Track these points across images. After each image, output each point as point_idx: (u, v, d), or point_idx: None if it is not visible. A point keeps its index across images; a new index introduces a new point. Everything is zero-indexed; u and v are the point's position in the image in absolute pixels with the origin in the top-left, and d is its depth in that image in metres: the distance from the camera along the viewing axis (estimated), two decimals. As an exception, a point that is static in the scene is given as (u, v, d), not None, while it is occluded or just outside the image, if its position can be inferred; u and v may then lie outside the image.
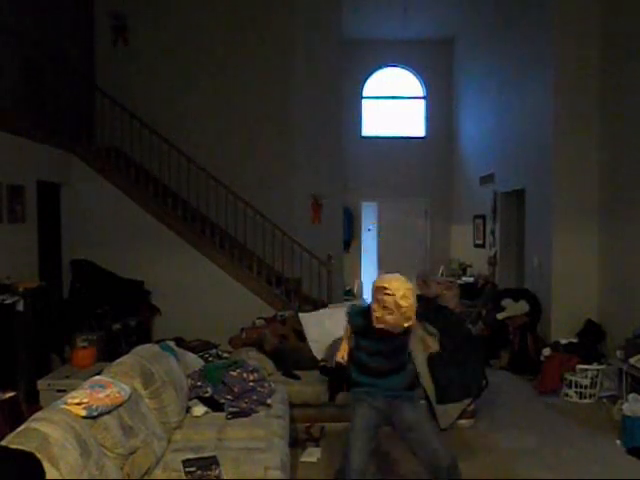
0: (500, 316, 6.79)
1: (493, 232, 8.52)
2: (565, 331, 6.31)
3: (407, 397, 3.17)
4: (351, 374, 3.22)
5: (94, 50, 8.23)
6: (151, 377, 3.29)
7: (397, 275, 2.97)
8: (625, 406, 4.47)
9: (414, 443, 3.08)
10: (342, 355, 3.27)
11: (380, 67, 10.91)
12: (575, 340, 6.08)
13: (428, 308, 5.00)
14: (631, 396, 4.55)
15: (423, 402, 4.58)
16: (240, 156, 8.21)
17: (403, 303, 2.84)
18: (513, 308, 6.75)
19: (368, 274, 11.04)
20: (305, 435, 4.45)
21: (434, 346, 4.76)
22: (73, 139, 6.92)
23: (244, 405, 3.76)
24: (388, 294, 2.86)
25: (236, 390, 3.80)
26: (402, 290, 2.85)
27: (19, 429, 2.29)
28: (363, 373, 3.13)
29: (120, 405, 2.79)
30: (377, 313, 2.92)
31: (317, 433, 4.47)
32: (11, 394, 3.81)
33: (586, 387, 5.48)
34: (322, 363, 4.93)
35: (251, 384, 3.89)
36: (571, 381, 5.54)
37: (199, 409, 3.73)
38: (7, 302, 4.72)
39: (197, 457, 2.97)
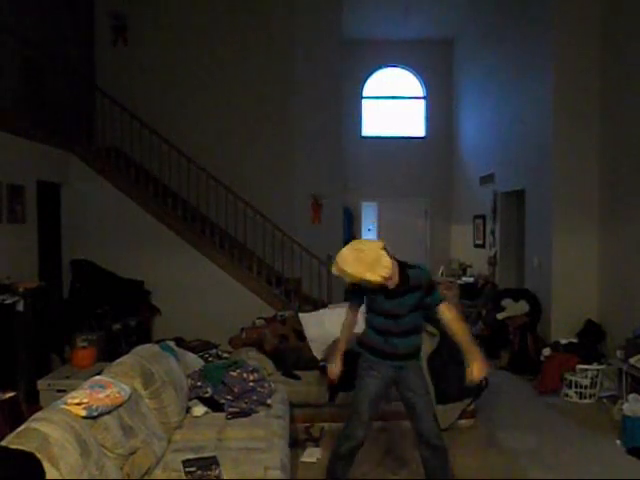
0: (500, 316, 6.80)
1: (493, 232, 8.52)
2: (565, 331, 6.31)
3: (412, 365, 3.28)
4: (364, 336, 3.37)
5: (94, 50, 8.24)
6: (151, 377, 3.29)
7: (355, 245, 3.03)
8: (625, 406, 4.47)
9: (410, 410, 3.27)
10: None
11: (380, 67, 10.90)
12: (575, 340, 6.08)
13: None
14: (631, 396, 4.55)
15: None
16: (240, 156, 8.22)
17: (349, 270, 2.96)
18: (513, 308, 6.75)
19: (368, 274, 11.02)
20: (305, 435, 4.45)
21: (434, 346, 4.75)
22: (73, 139, 6.93)
23: (244, 405, 3.76)
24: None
25: (236, 390, 3.80)
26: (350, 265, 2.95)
27: (19, 429, 2.29)
28: (372, 333, 3.27)
29: (120, 405, 2.79)
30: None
31: (317, 433, 4.47)
32: (11, 394, 3.80)
33: (586, 387, 5.48)
34: (322, 363, 4.93)
35: (251, 384, 3.89)
36: (571, 381, 5.54)
37: (199, 409, 3.73)
38: (7, 302, 4.72)
39: (197, 457, 2.97)
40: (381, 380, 3.26)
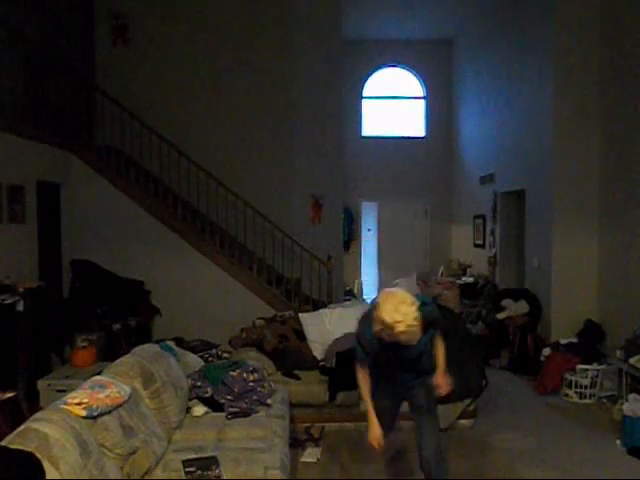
0: (500, 316, 6.80)
1: (493, 232, 8.52)
2: (565, 331, 6.31)
3: (421, 383, 3.22)
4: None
5: (94, 50, 8.23)
6: (151, 377, 3.29)
7: (402, 305, 2.72)
8: (625, 406, 4.47)
9: (416, 425, 3.24)
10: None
11: (380, 67, 10.90)
12: (575, 340, 6.08)
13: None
14: (631, 396, 4.55)
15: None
16: (240, 156, 8.21)
17: (402, 337, 2.75)
18: (513, 308, 6.76)
19: (368, 274, 11.05)
20: (305, 435, 4.46)
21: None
22: (73, 139, 6.92)
23: (244, 405, 3.76)
24: (388, 325, 2.74)
25: (236, 390, 3.80)
26: (402, 326, 2.71)
27: (19, 429, 2.29)
28: (376, 369, 3.19)
29: (120, 405, 2.79)
30: (377, 328, 2.85)
31: (317, 433, 4.47)
32: (11, 394, 3.81)
33: (586, 387, 5.48)
34: (322, 363, 4.93)
35: (251, 384, 3.89)
36: (571, 381, 5.54)
37: (199, 409, 3.73)
38: (7, 302, 4.72)
39: (197, 457, 2.97)
40: (392, 386, 3.25)
